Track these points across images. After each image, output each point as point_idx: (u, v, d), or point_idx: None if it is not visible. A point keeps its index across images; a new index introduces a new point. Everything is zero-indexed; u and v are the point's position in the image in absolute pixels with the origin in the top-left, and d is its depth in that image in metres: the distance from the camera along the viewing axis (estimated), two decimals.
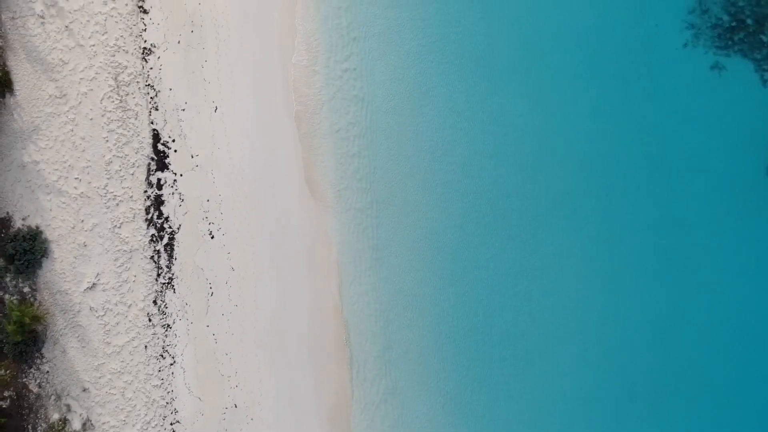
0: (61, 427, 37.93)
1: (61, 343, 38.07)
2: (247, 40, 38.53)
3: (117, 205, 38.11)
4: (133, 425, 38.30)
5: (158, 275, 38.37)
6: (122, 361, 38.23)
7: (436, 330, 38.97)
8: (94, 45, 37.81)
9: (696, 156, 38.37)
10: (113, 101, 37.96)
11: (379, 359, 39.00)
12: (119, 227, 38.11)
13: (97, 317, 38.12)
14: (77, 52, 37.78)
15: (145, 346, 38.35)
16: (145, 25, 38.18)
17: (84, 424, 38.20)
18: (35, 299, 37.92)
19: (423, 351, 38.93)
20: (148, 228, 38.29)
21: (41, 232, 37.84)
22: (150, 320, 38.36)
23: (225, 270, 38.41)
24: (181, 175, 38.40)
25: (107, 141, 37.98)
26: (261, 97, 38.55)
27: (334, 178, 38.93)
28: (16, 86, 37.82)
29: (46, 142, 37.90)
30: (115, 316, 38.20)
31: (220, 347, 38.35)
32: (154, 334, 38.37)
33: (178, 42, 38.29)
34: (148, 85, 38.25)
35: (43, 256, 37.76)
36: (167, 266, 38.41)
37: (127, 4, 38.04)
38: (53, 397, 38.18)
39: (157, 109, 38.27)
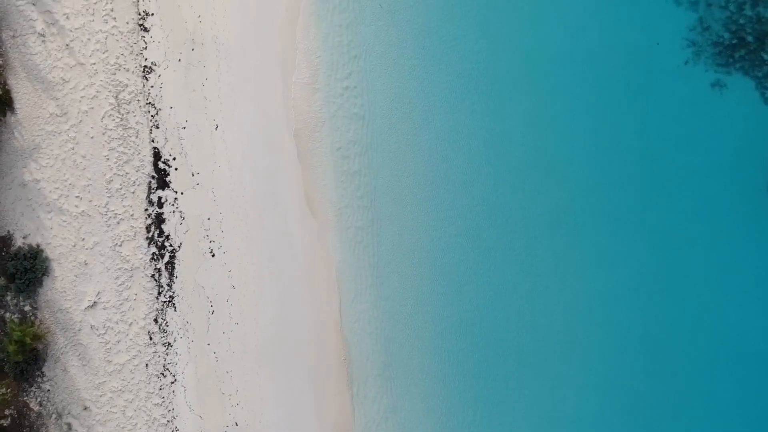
0: None
1: (62, 361, 38.09)
2: (248, 58, 38.53)
3: (118, 223, 38.11)
4: None
5: (159, 293, 38.38)
6: (123, 380, 38.25)
7: (436, 348, 38.97)
8: (94, 63, 37.81)
9: (697, 173, 38.34)
10: (114, 119, 37.97)
11: (379, 377, 39.02)
12: (120, 245, 38.12)
13: (98, 335, 38.13)
14: (78, 70, 37.79)
15: (146, 365, 38.36)
16: (145, 43, 38.18)
17: None
18: (36, 318, 37.94)
19: (424, 369, 38.92)
20: (149, 246, 38.30)
21: (42, 251, 37.86)
22: (151, 338, 38.38)
23: (226, 288, 38.42)
24: (182, 193, 38.41)
25: (108, 159, 37.98)
26: (262, 115, 38.57)
27: (335, 196, 38.93)
28: (17, 104, 37.83)
29: (47, 161, 37.91)
30: (116, 335, 38.21)
31: (221, 365, 38.37)
32: (155, 352, 38.38)
33: (179, 60, 38.30)
34: (149, 103, 38.25)
35: (43, 274, 37.78)
36: (168, 284, 38.42)
37: (127, 23, 38.05)
38: (54, 416, 38.21)
39: (157, 127, 38.28)
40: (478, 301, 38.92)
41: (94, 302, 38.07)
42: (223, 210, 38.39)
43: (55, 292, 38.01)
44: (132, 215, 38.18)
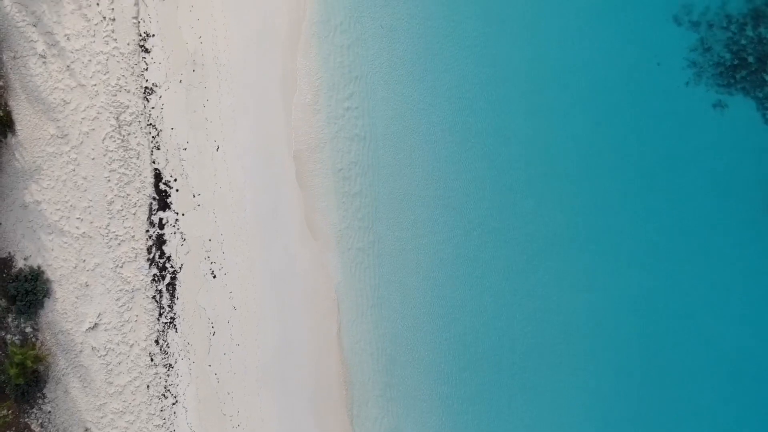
0: None
1: (63, 382, 38.08)
2: (249, 79, 38.51)
3: (119, 244, 38.10)
4: None
5: (160, 315, 38.38)
6: (124, 401, 38.25)
7: (438, 369, 38.97)
8: (95, 84, 37.79)
9: (698, 194, 38.34)
10: (115, 141, 37.95)
11: (380, 398, 39.01)
12: (121, 267, 38.12)
13: (99, 357, 38.13)
14: (79, 91, 37.76)
15: (147, 386, 38.36)
16: (146, 64, 38.16)
17: None
18: (37, 339, 37.93)
19: (425, 390, 38.92)
20: (150, 267, 38.29)
21: (43, 272, 37.86)
22: (152, 360, 38.38)
23: (227, 309, 38.41)
24: (182, 214, 38.40)
25: (109, 180, 37.97)
26: (263, 137, 38.56)
27: (336, 217, 38.92)
28: (18, 126, 37.81)
29: (48, 182, 37.90)
30: (117, 356, 38.21)
31: (222, 386, 38.37)
32: (156, 373, 38.38)
33: (180, 81, 38.27)
34: (150, 124, 38.23)
35: (45, 296, 37.77)
36: (169, 306, 38.42)
37: (128, 44, 38.01)
38: None
39: (158, 149, 38.27)
40: (479, 322, 38.91)
41: (95, 324, 38.06)
42: (224, 231, 38.38)
43: (56, 314, 38.00)
44: (133, 236, 38.17)
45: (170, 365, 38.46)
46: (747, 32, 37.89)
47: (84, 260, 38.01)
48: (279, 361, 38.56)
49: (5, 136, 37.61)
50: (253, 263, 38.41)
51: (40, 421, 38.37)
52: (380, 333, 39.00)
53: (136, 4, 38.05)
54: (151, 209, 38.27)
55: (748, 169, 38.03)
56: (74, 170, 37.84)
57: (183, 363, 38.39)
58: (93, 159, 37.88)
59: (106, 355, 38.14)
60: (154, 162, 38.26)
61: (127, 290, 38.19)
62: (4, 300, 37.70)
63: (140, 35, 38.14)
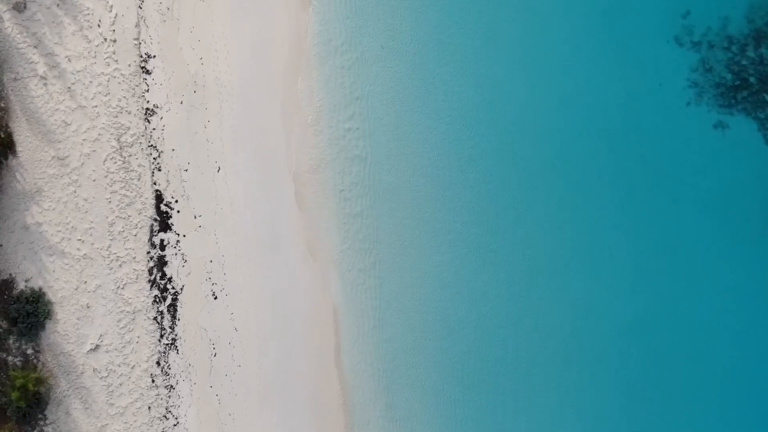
0: None
1: (65, 404, 38.06)
2: (250, 100, 38.49)
3: (120, 266, 38.07)
4: None
5: (161, 336, 38.38)
6: (126, 423, 38.23)
7: (439, 390, 39.02)
8: (96, 106, 37.73)
9: (699, 214, 38.42)
10: (116, 162, 37.91)
11: (381, 419, 39.05)
12: (122, 288, 38.09)
13: (101, 378, 38.12)
14: (80, 113, 37.71)
15: (149, 407, 38.36)
16: (147, 85, 38.12)
17: None
18: (38, 361, 37.91)
19: (426, 411, 38.97)
20: (151, 289, 38.28)
21: (44, 294, 37.80)
22: (153, 381, 38.38)
23: (228, 331, 38.42)
24: (184, 235, 38.38)
25: (110, 202, 37.93)
26: (264, 158, 38.55)
27: (337, 238, 38.92)
28: (19, 147, 37.74)
29: (49, 204, 37.85)
30: (118, 378, 38.20)
31: (223, 408, 38.38)
32: (158, 395, 38.38)
33: (181, 102, 38.24)
34: (151, 145, 38.20)
35: (46, 318, 37.70)
36: (170, 327, 38.42)
37: (129, 65, 37.96)
38: None
39: (160, 170, 38.24)
40: (480, 342, 38.95)
41: (97, 345, 38.05)
42: (226, 252, 38.38)
43: (57, 336, 37.97)
44: (134, 258, 38.15)
45: (172, 386, 38.46)
46: (748, 53, 37.95)
47: (85, 282, 37.98)
48: (280, 382, 38.57)
49: (6, 158, 37.55)
50: (254, 284, 38.41)
51: None
52: (381, 353, 39.03)
53: (137, 25, 38.02)
54: (152, 230, 38.26)
55: (748, 190, 38.12)
56: (75, 192, 37.80)
57: (184, 384, 38.40)
58: (94, 180, 37.84)
59: (107, 376, 38.13)
60: (155, 183, 38.24)
61: (128, 312, 38.17)
62: (5, 322, 37.68)
63: (141, 56, 38.11)
